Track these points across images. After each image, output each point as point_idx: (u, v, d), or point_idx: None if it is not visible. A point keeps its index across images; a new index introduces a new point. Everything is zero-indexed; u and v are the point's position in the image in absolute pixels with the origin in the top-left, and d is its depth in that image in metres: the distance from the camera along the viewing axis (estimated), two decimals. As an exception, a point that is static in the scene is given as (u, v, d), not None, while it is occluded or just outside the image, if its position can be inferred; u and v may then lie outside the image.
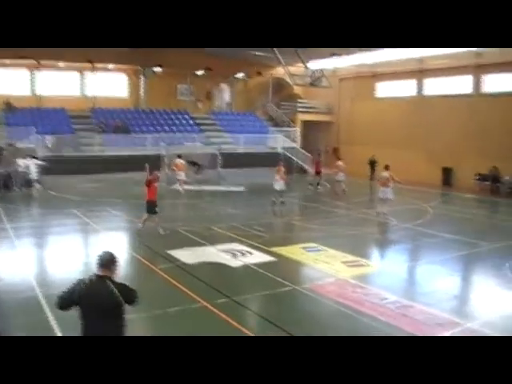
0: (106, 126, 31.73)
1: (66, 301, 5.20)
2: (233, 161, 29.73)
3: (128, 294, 5.22)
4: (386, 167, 19.05)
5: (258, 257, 12.98)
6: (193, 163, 27.26)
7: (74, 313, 5.16)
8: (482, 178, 28.33)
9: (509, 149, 26.39)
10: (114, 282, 5.12)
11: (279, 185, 20.72)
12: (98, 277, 5.15)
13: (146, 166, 17.14)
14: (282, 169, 21.42)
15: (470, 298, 11.17)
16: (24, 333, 6.94)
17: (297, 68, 34.08)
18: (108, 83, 35.77)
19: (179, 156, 25.29)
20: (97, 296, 5.06)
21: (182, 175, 24.60)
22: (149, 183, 15.37)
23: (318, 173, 26.75)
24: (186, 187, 24.72)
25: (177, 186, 24.25)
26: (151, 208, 15.25)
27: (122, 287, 5.18)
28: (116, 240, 15.22)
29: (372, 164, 31.82)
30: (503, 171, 27.13)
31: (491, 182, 27.72)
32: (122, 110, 34.42)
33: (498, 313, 9.82)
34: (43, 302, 9.25)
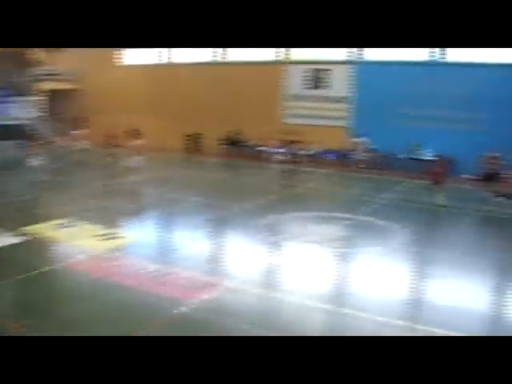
0: None
1: None
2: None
3: None
4: (137, 135, 18.90)
5: (4, 239, 11.86)
6: None
7: None
8: (227, 142, 29.89)
9: (248, 114, 28.61)
10: None
11: (34, 160, 19.42)
12: None
13: None
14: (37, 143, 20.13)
15: (229, 259, 11.81)
16: None
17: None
18: None
19: None
20: None
21: None
22: None
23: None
24: None
25: None
26: None
27: None
28: None
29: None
30: (250, 135, 29.08)
31: (233, 145, 29.45)
32: None
33: (256, 271, 10.60)
34: None
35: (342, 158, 26.40)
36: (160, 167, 23.63)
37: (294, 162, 21.27)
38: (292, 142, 23.53)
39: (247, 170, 26.09)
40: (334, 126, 27.27)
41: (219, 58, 31.45)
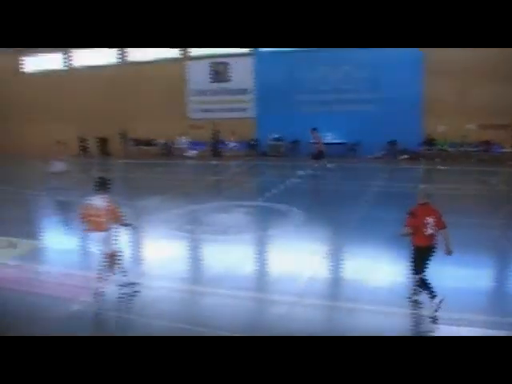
0: None
1: None
2: None
3: None
4: (58, 142, 19.54)
5: None
6: None
7: None
8: (137, 142, 30.13)
9: (156, 114, 28.89)
10: None
11: None
12: None
13: None
14: None
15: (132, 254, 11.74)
16: None
17: None
18: None
19: None
20: None
21: None
22: None
23: None
24: None
25: None
26: None
27: None
28: None
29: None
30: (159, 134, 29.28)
31: (143, 145, 29.92)
32: None
33: (155, 264, 10.85)
34: None
35: (251, 148, 27.07)
36: (81, 171, 23.54)
37: (211, 155, 21.53)
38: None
39: (162, 168, 25.86)
40: (240, 118, 27.80)
41: (120, 60, 31.21)
